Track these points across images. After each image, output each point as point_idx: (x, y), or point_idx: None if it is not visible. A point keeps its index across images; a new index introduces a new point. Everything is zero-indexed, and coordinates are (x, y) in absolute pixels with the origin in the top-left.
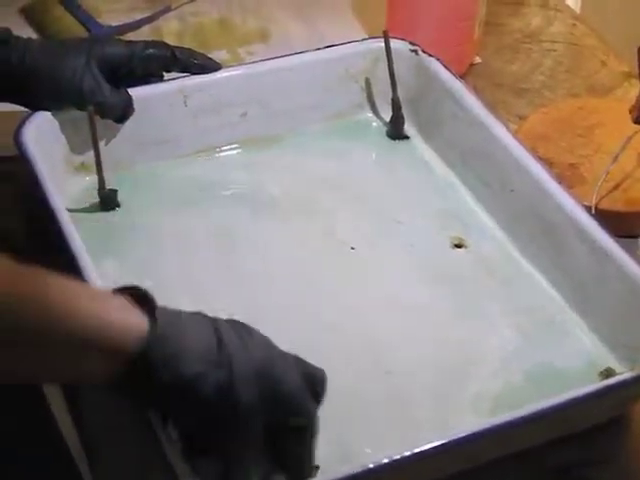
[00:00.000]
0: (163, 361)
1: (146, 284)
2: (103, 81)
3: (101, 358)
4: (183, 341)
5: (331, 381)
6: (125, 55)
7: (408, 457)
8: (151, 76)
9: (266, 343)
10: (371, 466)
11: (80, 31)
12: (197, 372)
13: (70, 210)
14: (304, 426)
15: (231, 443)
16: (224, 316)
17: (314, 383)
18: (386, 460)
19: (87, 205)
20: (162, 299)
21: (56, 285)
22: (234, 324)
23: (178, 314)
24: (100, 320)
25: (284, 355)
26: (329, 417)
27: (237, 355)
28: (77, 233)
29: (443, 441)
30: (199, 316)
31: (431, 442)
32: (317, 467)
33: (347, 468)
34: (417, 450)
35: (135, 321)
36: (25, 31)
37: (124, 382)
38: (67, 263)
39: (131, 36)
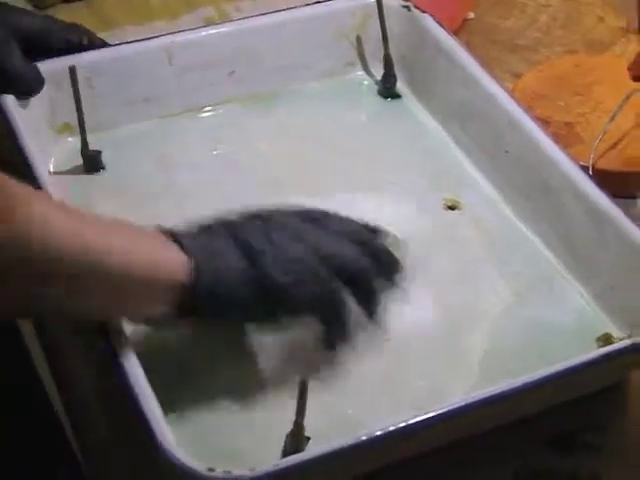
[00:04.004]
0: (208, 290)
1: None
2: (16, 49)
3: (163, 292)
4: (220, 270)
5: None
6: (41, 30)
7: (402, 428)
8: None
9: (283, 226)
10: (364, 438)
11: None
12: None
13: (54, 173)
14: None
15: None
16: None
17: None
18: (379, 432)
19: (71, 167)
20: None
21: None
22: (252, 223)
23: (206, 246)
24: (158, 257)
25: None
26: (324, 386)
27: (269, 262)
28: (62, 196)
29: (439, 411)
30: (222, 239)
31: (427, 412)
32: (308, 438)
33: (340, 440)
34: (411, 421)
35: (180, 257)
36: None
37: (174, 312)
38: None
39: None
